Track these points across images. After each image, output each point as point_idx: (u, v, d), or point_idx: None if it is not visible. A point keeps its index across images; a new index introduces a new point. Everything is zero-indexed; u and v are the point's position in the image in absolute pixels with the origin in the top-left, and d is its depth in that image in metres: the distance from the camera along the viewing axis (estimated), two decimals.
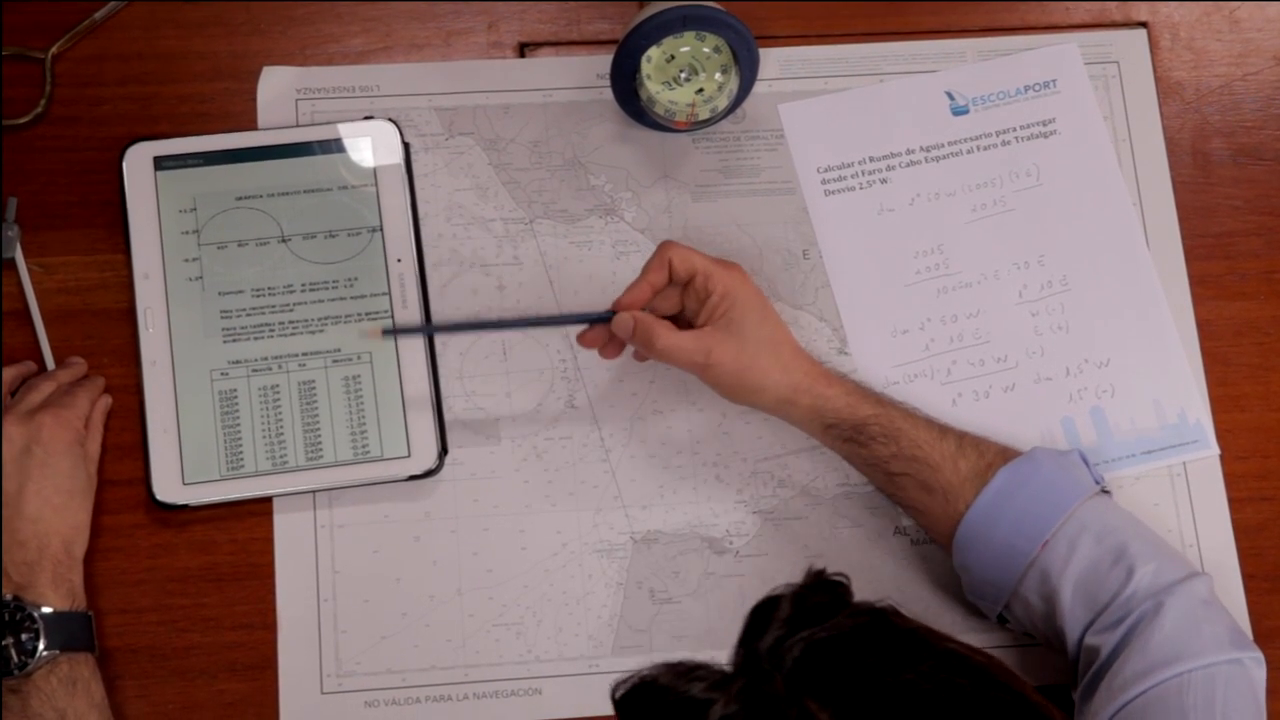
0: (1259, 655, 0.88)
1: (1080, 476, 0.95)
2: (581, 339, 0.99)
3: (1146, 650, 0.86)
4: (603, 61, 1.07)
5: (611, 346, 0.99)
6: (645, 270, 0.97)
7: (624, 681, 0.67)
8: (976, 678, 0.65)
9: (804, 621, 0.66)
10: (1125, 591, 0.89)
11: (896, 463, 0.96)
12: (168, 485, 0.99)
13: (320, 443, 1.01)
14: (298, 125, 1.07)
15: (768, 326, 0.97)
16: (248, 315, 1.02)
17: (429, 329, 1.02)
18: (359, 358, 1.02)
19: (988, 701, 0.64)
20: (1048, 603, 0.92)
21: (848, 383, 0.99)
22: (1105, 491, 0.97)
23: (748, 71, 1.04)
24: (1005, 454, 0.96)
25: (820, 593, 0.68)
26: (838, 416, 0.97)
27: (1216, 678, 0.85)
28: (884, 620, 0.67)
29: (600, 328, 0.98)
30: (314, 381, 1.02)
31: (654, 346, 0.95)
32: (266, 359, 1.02)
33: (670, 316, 0.99)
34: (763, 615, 0.67)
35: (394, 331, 1.01)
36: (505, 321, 1.01)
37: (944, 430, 0.97)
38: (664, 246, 0.97)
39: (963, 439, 0.97)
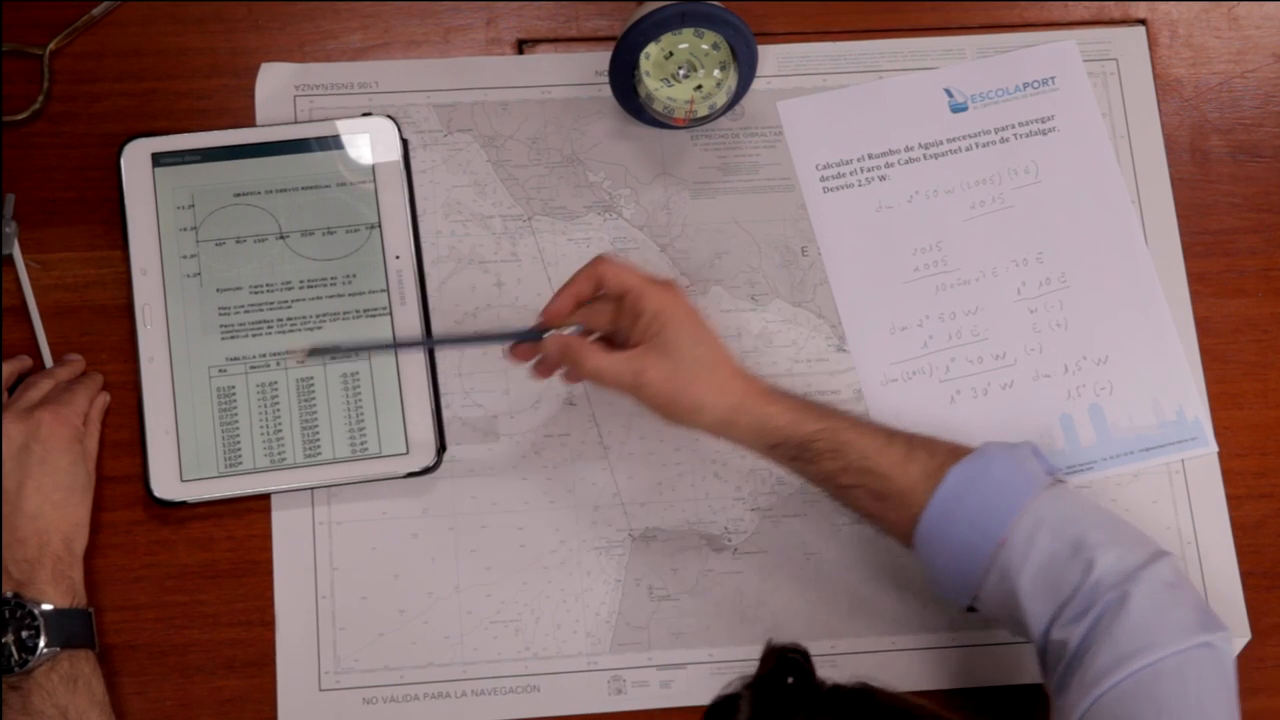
0: (1227, 633, 0.88)
1: (1033, 469, 0.94)
2: (512, 353, 0.96)
3: (1116, 642, 0.85)
4: (601, 58, 1.07)
5: (543, 366, 0.97)
6: (572, 280, 0.94)
7: None
8: None
9: None
10: (1087, 582, 0.88)
11: (846, 475, 0.95)
12: (166, 482, 0.99)
13: (318, 440, 1.01)
14: (296, 122, 1.07)
15: (703, 346, 0.93)
16: (246, 312, 1.02)
17: (355, 347, 0.99)
18: (357, 355, 1.02)
19: None
20: (1011, 598, 0.91)
21: (790, 399, 0.96)
22: (1060, 480, 0.96)
23: (746, 68, 1.04)
24: (956, 453, 0.94)
25: (780, 680, 0.64)
26: (781, 435, 0.95)
27: (1188, 664, 0.85)
28: (853, 708, 0.64)
29: (528, 343, 0.95)
30: (312, 378, 1.01)
31: (583, 367, 0.93)
32: (265, 355, 1.02)
33: (605, 336, 0.97)
34: (722, 716, 0.64)
35: (320, 351, 0.98)
36: (437, 339, 1.00)
37: (892, 436, 0.96)
38: (597, 260, 0.94)
39: (911, 441, 0.95)
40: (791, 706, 0.62)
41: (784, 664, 0.65)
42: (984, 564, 0.91)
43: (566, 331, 0.94)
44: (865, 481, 0.94)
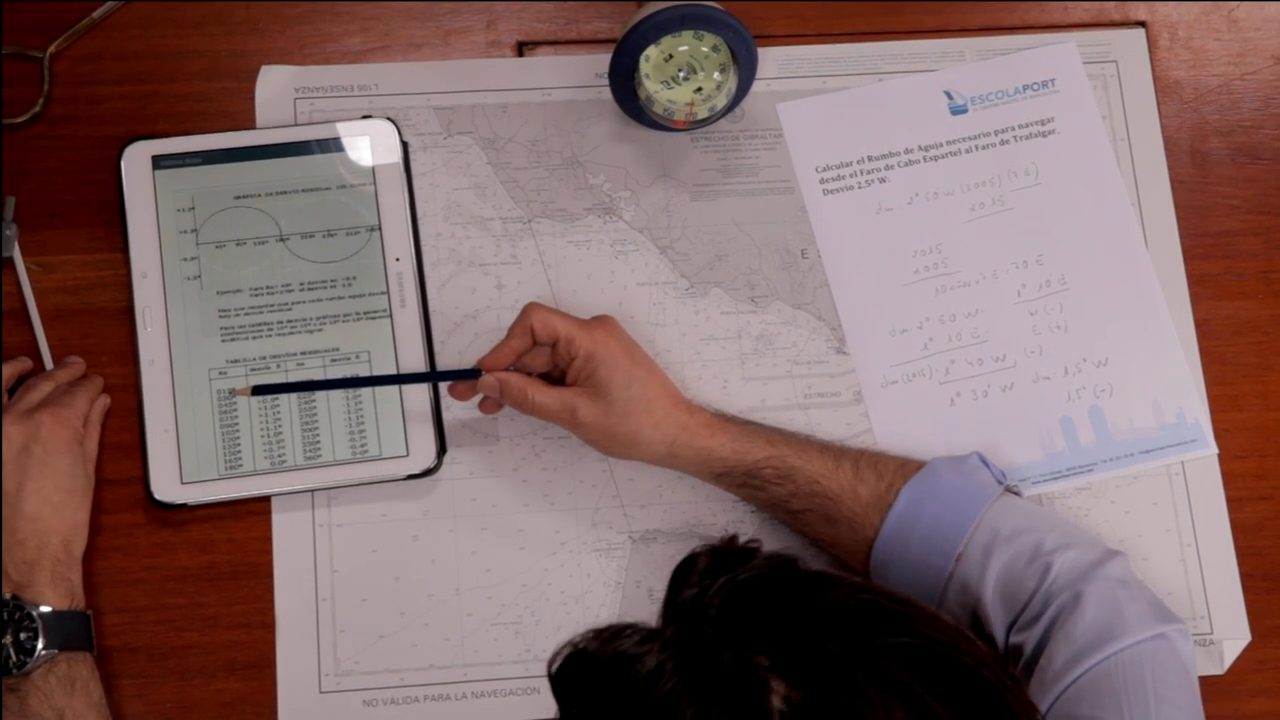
0: (1183, 626, 0.89)
1: (982, 480, 0.95)
2: (452, 391, 1.00)
3: (1072, 639, 0.86)
4: (601, 60, 1.07)
5: (489, 403, 1.00)
6: (509, 334, 0.97)
7: (556, 655, 0.68)
8: (890, 594, 0.67)
9: (722, 571, 0.67)
10: (1043, 587, 0.89)
11: (796, 500, 0.96)
12: (166, 484, 0.99)
13: (319, 442, 1.01)
14: (296, 124, 1.07)
15: (636, 385, 0.96)
16: (246, 314, 1.02)
17: (299, 387, 1.00)
18: (357, 357, 1.02)
19: (905, 611, 0.66)
20: (973, 612, 0.91)
21: (733, 427, 0.98)
22: (1009, 489, 0.96)
23: (746, 71, 1.04)
24: (904, 470, 0.95)
25: (734, 544, 0.71)
26: (725, 465, 0.97)
27: (1143, 655, 0.86)
28: (794, 562, 0.69)
29: (468, 382, 0.98)
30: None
31: (524, 403, 0.96)
32: (265, 358, 1.02)
33: (548, 372, 0.99)
34: (684, 573, 0.69)
35: (264, 390, 0.98)
36: (376, 378, 1.01)
37: (839, 457, 0.97)
38: (527, 310, 0.96)
39: (859, 461, 0.96)
40: (740, 560, 0.68)
41: (736, 541, 0.71)
42: (941, 583, 0.92)
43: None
44: (816, 505, 0.95)
